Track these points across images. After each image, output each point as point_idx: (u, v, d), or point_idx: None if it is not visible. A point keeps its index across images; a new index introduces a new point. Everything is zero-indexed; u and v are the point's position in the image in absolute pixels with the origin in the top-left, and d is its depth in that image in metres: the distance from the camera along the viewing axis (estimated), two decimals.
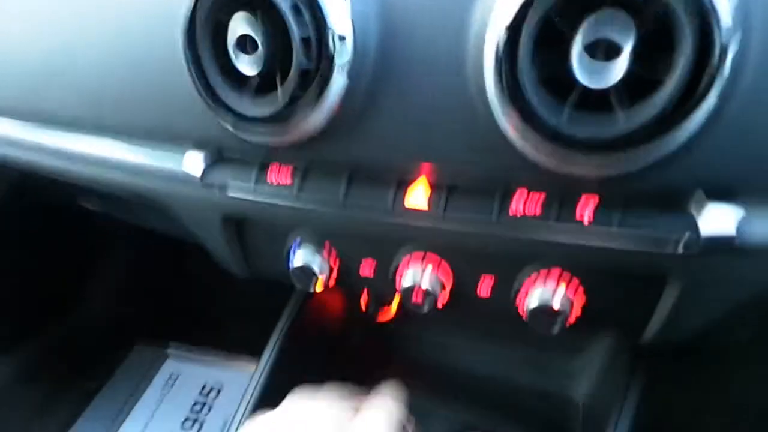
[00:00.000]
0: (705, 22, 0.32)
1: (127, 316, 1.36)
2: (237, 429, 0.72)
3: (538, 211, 0.43)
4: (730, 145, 0.37)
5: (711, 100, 0.34)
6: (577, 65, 0.34)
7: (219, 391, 1.21)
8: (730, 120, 0.36)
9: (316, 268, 0.54)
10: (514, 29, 0.35)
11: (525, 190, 0.43)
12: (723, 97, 0.34)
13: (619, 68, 0.34)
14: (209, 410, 1.17)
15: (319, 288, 0.57)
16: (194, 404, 1.19)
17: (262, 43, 0.41)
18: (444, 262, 0.51)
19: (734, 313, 0.44)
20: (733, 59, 0.34)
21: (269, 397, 0.74)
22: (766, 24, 0.34)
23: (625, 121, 0.34)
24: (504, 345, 0.81)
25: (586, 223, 0.42)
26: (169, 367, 1.28)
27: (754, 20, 0.34)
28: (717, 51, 0.32)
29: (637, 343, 0.50)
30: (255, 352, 0.76)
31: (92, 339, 1.30)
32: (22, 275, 1.13)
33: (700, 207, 0.39)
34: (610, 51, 0.34)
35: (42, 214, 1.11)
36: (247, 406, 0.73)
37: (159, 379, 1.25)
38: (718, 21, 0.32)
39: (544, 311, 0.48)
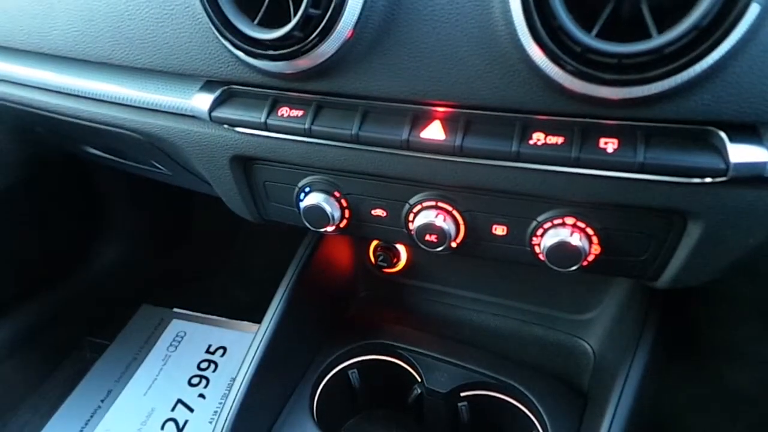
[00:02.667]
0: None
1: (134, 276, 1.36)
2: (244, 381, 0.72)
3: (560, 141, 0.41)
4: (751, 79, 0.35)
5: (746, 22, 0.32)
6: None
7: (224, 351, 1.22)
8: (755, 54, 0.34)
9: (327, 210, 0.53)
10: None
11: (548, 120, 0.42)
12: (759, 22, 0.33)
13: None
14: (215, 368, 1.18)
15: (329, 231, 0.56)
16: (200, 362, 1.20)
17: None
18: (456, 212, 0.50)
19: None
20: None
21: (275, 354, 0.75)
22: None
23: (658, 36, 0.33)
24: (513, 299, 0.80)
25: (610, 151, 0.40)
26: (175, 327, 1.29)
27: None
28: None
29: (654, 287, 0.50)
30: (259, 320, 0.76)
31: (101, 297, 1.31)
32: (31, 233, 1.13)
33: (724, 145, 0.38)
34: None
35: (53, 172, 1.10)
36: (253, 359, 0.73)
37: (166, 338, 1.26)
38: None
39: (561, 248, 0.47)
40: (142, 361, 1.21)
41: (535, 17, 0.35)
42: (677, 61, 0.34)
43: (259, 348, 0.74)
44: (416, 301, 0.87)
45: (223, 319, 1.29)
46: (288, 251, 0.81)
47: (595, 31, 0.34)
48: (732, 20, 0.32)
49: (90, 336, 1.26)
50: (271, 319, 0.74)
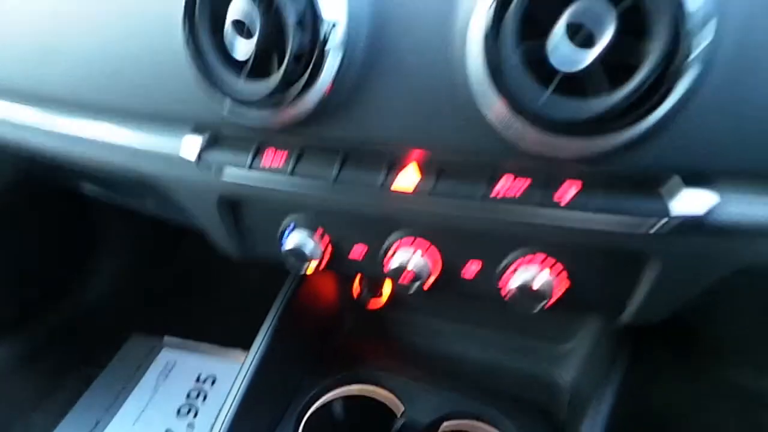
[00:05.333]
0: (678, 13, 0.34)
1: (124, 305, 1.37)
2: (229, 414, 0.73)
3: (519, 194, 0.45)
4: (701, 130, 0.39)
5: (681, 88, 0.36)
6: (556, 48, 0.36)
7: (214, 381, 1.23)
8: (702, 106, 0.38)
9: (307, 251, 0.56)
10: (498, 13, 0.37)
11: (510, 175, 0.45)
12: (695, 85, 0.36)
13: (594, 53, 0.36)
14: (204, 398, 1.19)
15: (310, 271, 0.58)
16: (189, 392, 1.20)
17: (258, 27, 0.42)
18: (433, 247, 0.53)
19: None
20: (706, 49, 0.35)
21: (261, 386, 0.76)
22: (743, 16, 0.36)
23: (601, 105, 0.36)
24: (493, 331, 0.82)
25: (563, 205, 0.43)
26: (165, 356, 1.29)
27: (730, 11, 0.36)
28: (688, 40, 0.34)
29: (617, 324, 0.52)
30: (248, 346, 0.78)
31: (90, 327, 1.31)
32: (23, 261, 1.15)
33: (674, 191, 0.41)
34: (589, 38, 0.36)
35: (45, 202, 1.12)
36: (238, 391, 0.74)
37: (155, 368, 1.27)
38: (688, 12, 0.34)
39: (525, 293, 0.50)
40: (131, 391, 1.21)
41: (491, 81, 0.38)
42: (623, 119, 0.37)
43: (244, 381, 0.75)
44: (400, 332, 0.89)
45: (214, 346, 1.29)
46: (277, 279, 0.83)
47: (545, 98, 0.37)
48: (671, 82, 0.35)
49: (79, 365, 1.26)
50: (256, 352, 0.76)
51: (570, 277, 0.50)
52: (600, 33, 0.35)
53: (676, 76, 0.35)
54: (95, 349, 1.28)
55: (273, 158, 0.51)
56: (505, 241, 0.50)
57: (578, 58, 0.36)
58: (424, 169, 0.48)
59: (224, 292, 1.37)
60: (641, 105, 0.36)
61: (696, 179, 0.41)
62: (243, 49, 0.44)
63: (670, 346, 0.78)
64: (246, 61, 0.44)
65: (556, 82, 0.37)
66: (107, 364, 1.27)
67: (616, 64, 0.36)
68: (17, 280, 1.15)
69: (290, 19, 0.41)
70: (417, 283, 0.54)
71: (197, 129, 0.54)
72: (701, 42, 0.35)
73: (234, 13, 0.42)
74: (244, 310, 0.90)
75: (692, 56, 0.35)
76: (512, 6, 0.36)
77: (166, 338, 1.32)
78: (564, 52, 0.36)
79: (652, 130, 0.38)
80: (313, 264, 0.58)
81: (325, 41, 0.42)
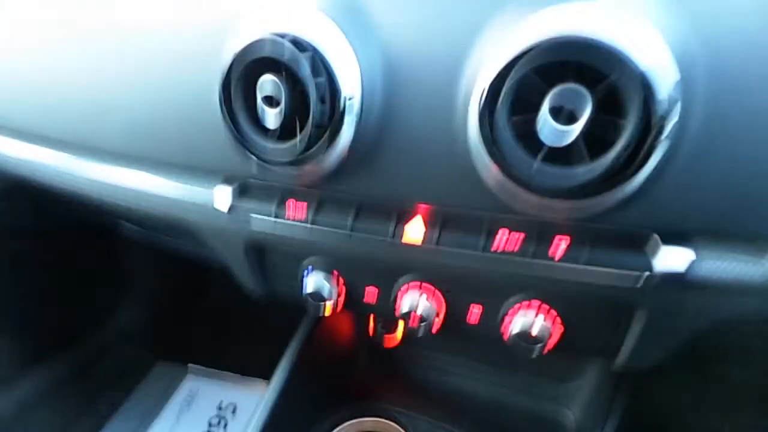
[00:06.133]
0: (647, 97, 0.39)
1: (150, 334, 1.43)
2: None
3: (516, 248, 0.49)
4: (675, 195, 0.43)
5: (654, 160, 0.41)
6: (542, 127, 0.41)
7: (234, 409, 1.28)
8: (675, 175, 0.42)
9: (325, 294, 0.61)
10: (493, 92, 0.42)
11: (506, 230, 0.50)
12: (667, 157, 0.41)
13: (576, 130, 0.41)
14: (225, 425, 1.24)
15: (327, 312, 0.64)
16: (211, 419, 1.25)
17: (284, 100, 0.48)
18: (437, 292, 0.57)
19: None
20: (675, 126, 0.40)
21: (279, 416, 0.81)
22: (706, 96, 0.41)
23: (583, 174, 0.41)
24: (500, 371, 0.86)
25: (557, 260, 0.48)
26: (188, 385, 1.35)
27: (695, 92, 0.41)
28: (657, 120, 0.39)
29: (614, 369, 0.56)
30: (268, 377, 0.83)
31: (118, 355, 1.37)
32: (55, 293, 1.22)
33: (655, 248, 0.45)
34: (571, 116, 0.41)
35: (81, 236, 1.20)
36: (258, 420, 0.79)
37: (178, 396, 1.32)
38: (657, 95, 0.39)
39: (523, 337, 0.54)
40: (156, 417, 1.26)
41: (487, 152, 0.43)
42: (602, 188, 0.42)
43: (264, 410, 0.80)
44: (411, 369, 0.93)
45: (236, 376, 1.35)
46: (297, 316, 0.89)
47: (535, 169, 0.42)
48: (645, 155, 0.40)
49: (106, 392, 1.32)
50: (276, 383, 0.81)
51: (564, 323, 0.54)
52: (579, 112, 0.40)
53: (648, 151, 0.40)
54: (123, 377, 1.34)
55: (295, 209, 0.57)
56: (504, 289, 0.55)
57: (562, 135, 0.41)
58: (429, 222, 0.53)
59: (247, 326, 1.42)
60: (619, 175, 0.41)
61: (674, 238, 0.45)
62: (271, 118, 0.50)
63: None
64: (274, 129, 0.50)
65: (543, 153, 0.42)
66: (133, 391, 1.33)
67: (596, 138, 0.41)
68: (48, 311, 1.21)
69: (312, 94, 0.47)
70: (424, 326, 0.59)
71: (228, 181, 0.61)
72: (670, 122, 0.40)
73: (264, 89, 0.49)
74: (266, 344, 0.96)
75: (662, 134, 0.40)
76: (504, 88, 0.42)
77: (191, 366, 1.38)
78: (549, 130, 0.41)
79: (630, 196, 0.43)
80: (329, 305, 0.63)
81: (342, 113, 0.48)
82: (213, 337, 1.44)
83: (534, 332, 0.53)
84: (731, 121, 0.41)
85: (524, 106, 0.42)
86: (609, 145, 0.41)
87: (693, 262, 0.45)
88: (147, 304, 1.42)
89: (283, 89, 0.48)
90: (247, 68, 0.49)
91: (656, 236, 0.46)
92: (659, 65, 0.39)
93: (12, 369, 1.15)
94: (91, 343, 1.32)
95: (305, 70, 0.47)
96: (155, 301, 1.43)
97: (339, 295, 0.63)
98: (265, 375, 1.03)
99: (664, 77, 0.39)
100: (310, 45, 0.47)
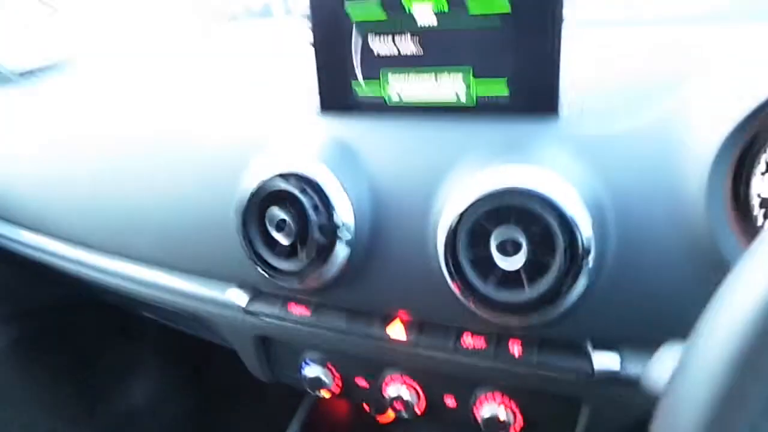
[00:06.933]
0: (572, 233, 0.51)
1: (158, 416, 1.49)
2: None
3: (482, 346, 0.60)
4: (601, 310, 0.54)
5: (580, 287, 0.52)
6: (495, 255, 0.53)
7: None
8: (599, 295, 0.54)
9: (321, 381, 0.71)
10: (454, 230, 0.54)
11: (470, 334, 0.61)
12: (588, 286, 0.52)
13: (520, 258, 0.52)
14: None
15: (326, 395, 0.73)
16: None
17: (290, 225, 0.61)
18: (416, 383, 0.67)
19: None
20: (595, 257, 0.52)
21: None
22: (618, 235, 0.53)
23: (524, 296, 0.52)
24: None
25: (516, 356, 0.58)
26: None
27: (609, 231, 0.53)
28: (580, 252, 0.51)
29: None
30: None
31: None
32: (67, 371, 1.31)
33: (589, 353, 0.56)
34: (515, 247, 0.53)
35: (97, 316, 1.30)
36: None
37: None
38: (578, 243, 0.50)
39: (493, 422, 0.63)
40: None
41: (453, 273, 0.55)
42: (541, 306, 0.53)
43: None
44: None
45: None
46: (298, 396, 0.97)
47: (490, 287, 0.53)
48: (570, 284, 0.52)
49: None
50: None
51: (523, 412, 0.63)
52: (519, 250, 0.52)
53: (572, 283, 0.51)
54: None
55: (297, 311, 0.68)
56: (471, 381, 0.65)
57: (506, 264, 0.53)
58: (408, 325, 0.64)
59: (251, 404, 1.49)
60: (551, 299, 0.52)
61: (604, 344, 0.56)
62: (280, 240, 0.62)
63: None
64: (281, 249, 0.62)
65: (494, 278, 0.54)
66: None
67: (537, 265, 0.53)
68: (58, 389, 1.29)
69: (313, 223, 0.59)
70: (408, 410, 0.69)
71: (241, 285, 0.72)
72: (589, 260, 0.51)
73: (274, 218, 0.61)
74: (270, 418, 1.04)
75: (583, 270, 0.51)
76: (461, 231, 0.54)
77: None
78: (498, 259, 0.53)
79: (566, 312, 0.54)
80: (325, 392, 0.73)
81: (337, 239, 0.60)
82: (218, 413, 1.51)
83: (501, 418, 0.63)
84: (637, 253, 0.53)
85: (478, 239, 0.54)
86: (546, 271, 0.53)
87: (621, 363, 0.55)
88: (153, 386, 1.49)
89: (288, 219, 0.60)
90: (263, 200, 0.62)
91: (589, 342, 0.56)
92: (579, 212, 0.51)
93: None
94: (94, 423, 1.38)
95: (307, 205, 0.59)
96: (162, 383, 1.50)
97: (334, 384, 0.73)
98: None
99: (584, 220, 0.51)
100: (312, 184, 0.60)
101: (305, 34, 0.62)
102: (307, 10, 0.61)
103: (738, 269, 0.27)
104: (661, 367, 0.40)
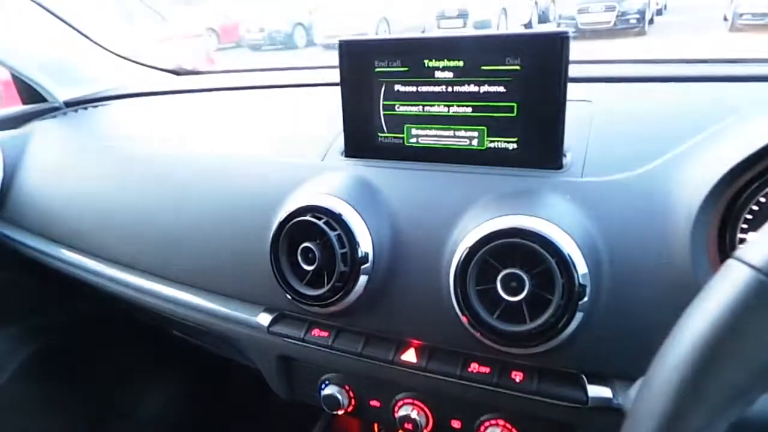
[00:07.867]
0: (568, 282, 0.57)
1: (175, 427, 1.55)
2: None
3: (487, 371, 0.66)
4: (593, 347, 0.60)
5: (575, 323, 0.58)
6: (500, 290, 0.59)
7: None
8: (591, 333, 0.59)
9: (337, 401, 0.77)
10: (462, 268, 0.61)
11: (476, 363, 0.66)
12: (583, 322, 0.58)
13: (522, 294, 0.58)
14: None
15: (341, 412, 0.79)
16: None
17: (317, 255, 0.68)
18: (425, 406, 0.73)
19: None
20: (590, 294, 0.58)
21: None
22: (612, 275, 0.59)
23: (526, 329, 0.58)
24: None
25: (518, 380, 0.64)
26: None
27: (603, 271, 0.59)
28: (577, 289, 0.57)
29: None
30: None
31: None
32: (71, 387, 1.37)
33: (584, 384, 0.61)
34: (519, 283, 0.59)
35: (124, 333, 1.38)
36: None
37: None
38: (574, 283, 0.56)
39: None
40: None
41: (462, 305, 0.61)
42: (540, 338, 0.58)
43: None
44: None
45: None
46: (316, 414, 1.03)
47: (496, 319, 0.60)
48: (567, 320, 0.57)
49: None
50: None
51: None
52: (522, 286, 0.58)
53: (569, 318, 0.57)
54: None
55: (318, 334, 0.75)
56: (476, 406, 0.70)
57: (511, 300, 0.59)
58: (420, 351, 0.70)
59: (269, 421, 1.54)
60: (550, 331, 0.58)
61: (596, 377, 0.61)
62: (307, 268, 0.69)
63: None
64: (308, 274, 0.69)
65: (499, 311, 0.60)
66: None
67: (537, 301, 0.59)
68: (77, 401, 1.36)
69: (338, 252, 0.66)
70: (416, 431, 0.74)
71: (268, 309, 0.79)
72: (584, 298, 0.57)
73: (304, 249, 0.68)
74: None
75: (579, 305, 0.57)
76: (471, 266, 0.60)
77: None
78: (503, 294, 0.59)
79: (562, 344, 0.60)
80: (340, 410, 0.78)
81: (359, 268, 0.67)
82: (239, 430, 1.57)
83: None
84: (629, 292, 0.59)
85: (486, 276, 0.60)
86: (546, 306, 0.58)
87: (613, 393, 0.60)
88: (168, 401, 1.54)
89: (315, 250, 0.68)
90: (292, 234, 0.69)
91: (583, 375, 0.62)
92: (576, 253, 0.58)
93: None
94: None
95: (334, 240, 0.66)
96: (176, 399, 1.55)
97: (349, 404, 0.78)
98: None
99: (580, 261, 0.58)
100: (338, 219, 0.67)
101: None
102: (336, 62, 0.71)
103: (691, 306, 0.34)
104: (633, 391, 0.46)
